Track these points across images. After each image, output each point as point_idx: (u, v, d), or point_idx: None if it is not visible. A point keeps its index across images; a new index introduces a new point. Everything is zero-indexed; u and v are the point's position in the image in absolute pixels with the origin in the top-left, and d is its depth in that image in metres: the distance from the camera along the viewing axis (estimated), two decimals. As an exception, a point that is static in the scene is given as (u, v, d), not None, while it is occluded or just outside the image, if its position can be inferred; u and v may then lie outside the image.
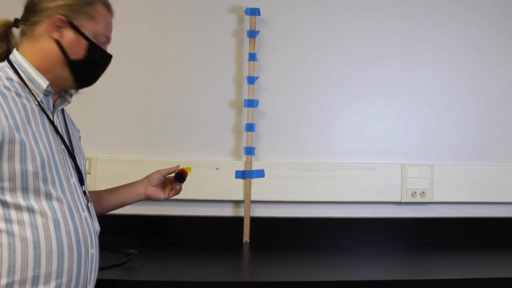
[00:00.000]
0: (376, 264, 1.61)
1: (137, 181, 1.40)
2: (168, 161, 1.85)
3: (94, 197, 1.32)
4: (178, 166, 1.41)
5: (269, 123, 1.95)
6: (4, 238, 0.97)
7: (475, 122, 2.04)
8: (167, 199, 1.41)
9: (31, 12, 1.09)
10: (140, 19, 1.92)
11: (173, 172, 1.39)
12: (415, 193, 1.96)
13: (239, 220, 1.88)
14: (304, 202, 1.94)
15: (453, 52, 2.03)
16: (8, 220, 0.97)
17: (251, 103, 1.90)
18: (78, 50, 1.11)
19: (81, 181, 1.14)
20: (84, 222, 1.09)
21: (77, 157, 1.16)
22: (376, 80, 1.99)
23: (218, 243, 1.76)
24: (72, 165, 1.12)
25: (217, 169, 1.89)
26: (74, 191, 1.09)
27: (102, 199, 1.35)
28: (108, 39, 1.18)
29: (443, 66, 2.03)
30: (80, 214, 1.08)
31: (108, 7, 1.17)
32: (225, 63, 1.94)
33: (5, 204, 0.98)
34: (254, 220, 1.89)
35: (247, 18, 1.92)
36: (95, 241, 1.13)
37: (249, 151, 1.89)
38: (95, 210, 1.25)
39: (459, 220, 1.99)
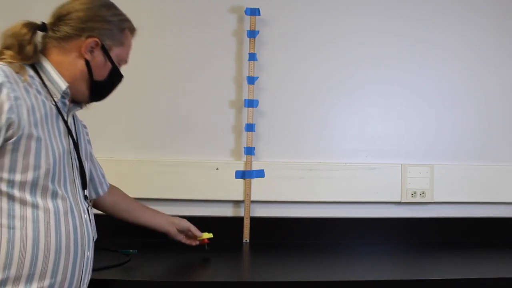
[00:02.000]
0: (376, 264, 1.61)
1: (166, 216, 1.59)
2: (168, 161, 1.86)
3: (129, 205, 1.52)
4: (202, 236, 1.60)
5: (269, 123, 1.95)
6: (4, 234, 0.97)
7: (475, 122, 2.04)
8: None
9: (64, 24, 1.11)
10: (140, 19, 1.91)
11: (198, 236, 1.60)
12: (415, 193, 1.96)
13: (239, 220, 1.88)
14: (304, 202, 1.94)
15: (453, 52, 2.03)
16: (11, 216, 0.98)
17: (251, 103, 1.90)
18: (102, 72, 1.16)
19: (84, 185, 1.16)
20: (84, 224, 1.10)
21: (83, 161, 1.17)
22: (376, 80, 1.99)
23: (218, 243, 1.76)
24: (77, 168, 1.14)
25: (217, 169, 1.89)
26: (77, 193, 1.11)
27: (136, 211, 1.53)
28: (126, 62, 1.24)
29: (443, 66, 2.03)
30: (81, 216, 1.10)
31: (133, 33, 1.24)
32: (225, 63, 1.94)
33: (11, 198, 0.99)
34: (254, 220, 1.89)
35: (247, 18, 1.92)
36: (92, 244, 1.14)
37: (249, 151, 1.89)
38: (128, 217, 1.50)
39: (459, 220, 1.99)
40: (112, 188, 1.51)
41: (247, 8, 1.90)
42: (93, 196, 1.43)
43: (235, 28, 1.95)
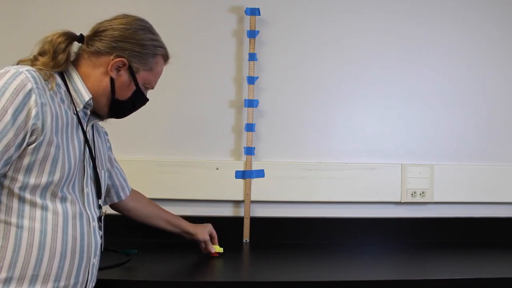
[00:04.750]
0: (376, 264, 1.61)
1: (184, 225, 1.58)
2: (168, 161, 1.87)
3: (150, 212, 1.53)
4: (214, 250, 1.60)
5: (269, 123, 1.94)
6: (12, 233, 0.99)
7: (475, 122, 2.04)
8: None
9: (98, 40, 1.14)
10: (140, 19, 1.91)
11: (210, 251, 1.60)
12: (415, 193, 1.96)
13: (239, 220, 1.88)
14: (304, 202, 1.94)
15: (453, 52, 2.03)
16: (20, 216, 1.00)
17: (251, 103, 1.90)
18: (125, 93, 1.18)
19: (98, 195, 1.17)
20: (92, 231, 1.11)
21: (98, 170, 1.19)
22: (376, 80, 1.99)
23: (218, 243, 1.76)
24: (91, 177, 1.15)
25: (217, 169, 1.89)
26: (86, 201, 1.12)
27: (155, 218, 1.54)
28: (153, 88, 1.25)
29: (443, 66, 2.03)
30: (90, 222, 1.11)
31: (166, 61, 1.26)
32: (225, 63, 1.94)
33: (21, 200, 1.00)
34: (254, 220, 1.89)
35: (247, 18, 1.92)
36: (99, 252, 1.15)
37: (249, 151, 1.89)
38: (147, 223, 1.52)
39: (459, 220, 1.99)
40: (134, 193, 1.53)
41: (247, 8, 1.90)
42: (115, 200, 1.46)
43: (235, 28, 1.95)
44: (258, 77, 1.92)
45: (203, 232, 1.59)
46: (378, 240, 1.91)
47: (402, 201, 1.96)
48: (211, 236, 1.61)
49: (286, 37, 1.96)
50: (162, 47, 1.24)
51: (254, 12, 1.90)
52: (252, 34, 1.90)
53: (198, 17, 1.93)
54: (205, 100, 1.93)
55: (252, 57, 1.90)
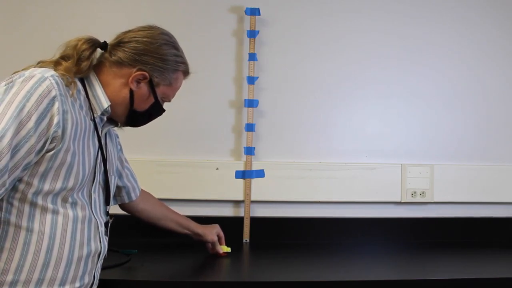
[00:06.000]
0: (376, 264, 1.61)
1: (193, 226, 1.58)
2: (168, 161, 1.86)
3: (159, 213, 1.53)
4: (222, 250, 1.60)
5: (269, 123, 1.95)
6: (22, 236, 0.99)
7: (475, 122, 2.04)
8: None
9: (121, 51, 1.13)
10: (140, 20, 1.90)
11: (218, 252, 1.60)
12: (415, 193, 1.96)
13: (239, 220, 1.88)
14: (304, 202, 1.94)
15: (453, 52, 2.03)
16: (31, 219, 1.00)
17: (251, 103, 1.90)
18: (144, 104, 1.18)
19: (107, 201, 1.18)
20: (100, 235, 1.12)
21: (109, 176, 1.19)
22: (376, 80, 1.99)
23: (218, 243, 1.76)
24: (100, 183, 1.15)
25: (217, 169, 1.89)
26: (93, 206, 1.12)
27: (164, 220, 1.54)
28: (170, 101, 1.26)
29: (443, 66, 2.03)
30: (98, 227, 1.12)
31: (186, 76, 1.26)
32: (225, 63, 1.94)
33: (33, 204, 1.00)
34: (254, 220, 1.89)
35: (247, 18, 1.92)
36: (102, 257, 1.16)
37: (249, 151, 1.89)
38: (156, 224, 1.53)
39: (459, 220, 1.99)
40: (144, 194, 1.53)
41: (247, 8, 1.91)
42: (126, 200, 1.46)
43: (235, 28, 1.95)
44: (258, 77, 1.92)
45: (211, 233, 1.59)
46: (378, 240, 1.91)
47: (402, 201, 1.96)
48: (218, 236, 1.61)
49: (286, 37, 1.96)
50: (184, 63, 1.24)
51: (254, 12, 1.90)
52: (252, 34, 1.90)
53: (198, 17, 1.93)
54: (205, 100, 1.93)
55: (252, 57, 1.90)
